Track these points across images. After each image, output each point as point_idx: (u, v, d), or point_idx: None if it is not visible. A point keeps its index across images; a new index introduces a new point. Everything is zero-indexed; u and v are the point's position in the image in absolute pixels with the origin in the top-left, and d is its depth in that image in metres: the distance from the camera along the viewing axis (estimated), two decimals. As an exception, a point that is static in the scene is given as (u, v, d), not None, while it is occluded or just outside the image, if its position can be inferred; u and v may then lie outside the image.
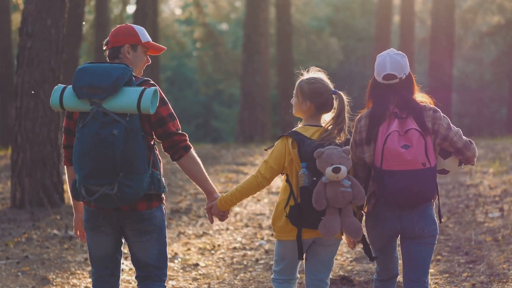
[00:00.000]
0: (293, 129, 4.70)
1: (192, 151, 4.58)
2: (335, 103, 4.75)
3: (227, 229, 9.40)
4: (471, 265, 7.26)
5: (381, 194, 4.65)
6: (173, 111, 4.54)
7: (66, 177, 4.73)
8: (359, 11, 38.59)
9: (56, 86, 4.47)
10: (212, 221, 4.83)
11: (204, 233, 9.17)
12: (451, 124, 4.73)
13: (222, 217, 4.80)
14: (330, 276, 7.04)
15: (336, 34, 36.13)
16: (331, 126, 4.67)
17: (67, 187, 11.51)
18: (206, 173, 4.67)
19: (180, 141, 4.53)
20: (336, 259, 7.73)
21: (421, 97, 4.78)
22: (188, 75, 39.68)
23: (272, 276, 4.87)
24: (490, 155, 14.42)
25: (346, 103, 4.71)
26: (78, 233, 4.86)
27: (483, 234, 8.43)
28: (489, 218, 9.22)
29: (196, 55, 37.03)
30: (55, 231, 9.04)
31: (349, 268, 7.39)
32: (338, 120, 4.66)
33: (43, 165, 10.15)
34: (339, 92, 4.73)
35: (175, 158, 4.56)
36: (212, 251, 8.29)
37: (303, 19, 33.75)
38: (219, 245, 8.54)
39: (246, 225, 9.61)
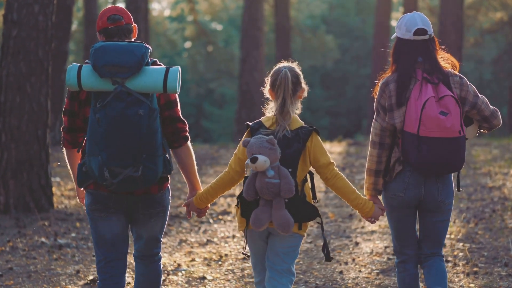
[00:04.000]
0: (260, 119, 4.66)
1: (189, 142, 4.64)
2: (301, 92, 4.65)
3: (234, 236, 8.55)
4: (515, 279, 6.48)
5: (411, 161, 4.56)
6: (177, 97, 4.58)
7: (66, 160, 4.65)
8: (354, 10, 37.94)
9: (70, 65, 4.35)
10: (189, 217, 4.89)
11: (209, 241, 8.32)
12: (477, 91, 4.70)
13: (200, 214, 4.82)
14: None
15: (331, 32, 35.46)
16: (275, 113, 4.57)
17: (56, 189, 10.89)
18: (196, 168, 4.72)
19: (183, 130, 4.57)
20: (359, 271, 6.93)
21: (444, 63, 4.69)
22: (178, 74, 38.76)
23: None
24: (507, 155, 13.72)
25: (291, 85, 4.52)
26: (81, 199, 4.82)
27: (520, 242, 7.67)
28: (521, 224, 8.48)
29: (187, 55, 36.31)
30: (43, 239, 8.19)
31: (377, 282, 6.57)
32: (279, 107, 4.51)
33: (29, 166, 9.32)
34: (286, 70, 4.54)
35: (175, 146, 4.59)
36: (219, 262, 7.44)
37: (298, 16, 33.07)
38: (226, 255, 7.69)
39: (254, 232, 8.74)
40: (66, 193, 10.89)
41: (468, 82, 4.69)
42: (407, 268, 4.88)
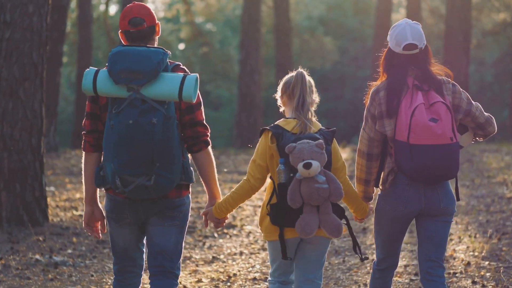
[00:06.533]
0: (275, 123, 4.55)
1: (210, 147, 4.50)
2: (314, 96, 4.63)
3: (241, 253, 8.01)
4: (552, 304, 5.96)
5: (405, 170, 4.47)
6: (201, 99, 4.41)
7: (82, 164, 4.52)
8: (351, 10, 37.46)
9: (87, 69, 4.28)
10: (206, 226, 4.77)
11: (215, 258, 7.78)
12: (470, 98, 4.63)
13: (218, 225, 4.70)
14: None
15: (328, 33, 34.97)
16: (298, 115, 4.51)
17: (50, 199, 10.32)
18: (216, 175, 4.56)
19: (203, 134, 4.44)
20: (381, 294, 6.38)
21: (438, 70, 4.64)
22: (173, 76, 38.21)
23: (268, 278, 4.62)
24: (521, 163, 13.22)
25: (308, 84, 4.53)
26: (87, 227, 4.58)
27: (550, 261, 7.16)
28: (548, 239, 7.97)
29: (182, 56, 35.82)
30: (38, 257, 7.63)
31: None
32: (298, 105, 4.48)
33: (23, 177, 8.76)
34: (301, 71, 4.58)
35: (194, 150, 4.44)
36: (228, 283, 6.90)
37: (296, 18, 32.60)
38: (235, 275, 7.15)
39: (263, 248, 8.20)
40: (61, 204, 10.34)
41: (461, 90, 4.63)
42: (384, 275, 4.84)
